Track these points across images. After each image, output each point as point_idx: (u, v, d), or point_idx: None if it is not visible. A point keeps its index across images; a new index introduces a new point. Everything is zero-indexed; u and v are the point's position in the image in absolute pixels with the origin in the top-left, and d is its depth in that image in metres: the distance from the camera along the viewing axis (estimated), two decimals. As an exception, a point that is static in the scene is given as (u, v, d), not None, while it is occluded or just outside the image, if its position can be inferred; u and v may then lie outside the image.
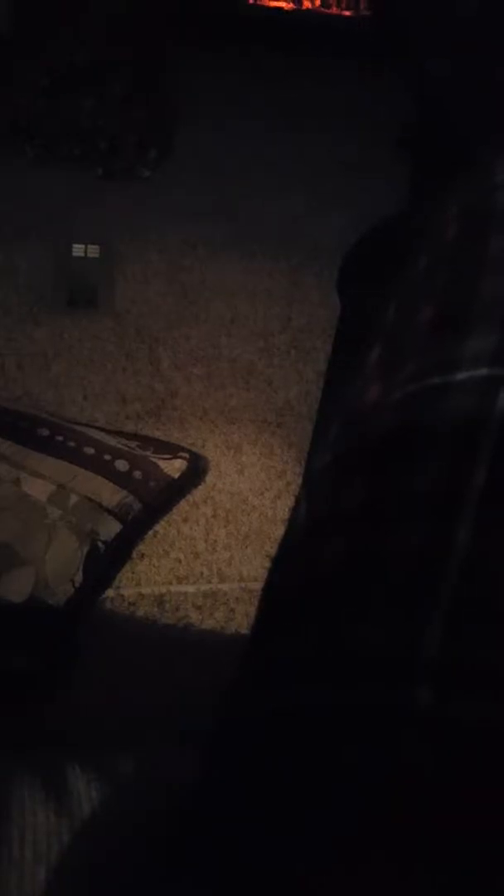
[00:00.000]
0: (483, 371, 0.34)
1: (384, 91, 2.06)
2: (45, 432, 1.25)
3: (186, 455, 1.26)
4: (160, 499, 1.21)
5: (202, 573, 1.12)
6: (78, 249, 1.66)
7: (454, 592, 0.30)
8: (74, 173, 1.92)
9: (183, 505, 1.20)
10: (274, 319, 1.55)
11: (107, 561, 1.13)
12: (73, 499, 1.16)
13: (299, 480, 1.13)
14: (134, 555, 1.14)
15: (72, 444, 1.24)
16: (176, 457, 1.26)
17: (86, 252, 1.65)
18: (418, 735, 0.29)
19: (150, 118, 2.12)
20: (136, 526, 1.18)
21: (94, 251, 1.66)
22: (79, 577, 1.10)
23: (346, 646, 0.32)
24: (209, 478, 1.24)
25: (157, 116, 2.16)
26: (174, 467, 1.24)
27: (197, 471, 1.26)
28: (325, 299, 1.49)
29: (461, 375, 0.35)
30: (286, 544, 0.42)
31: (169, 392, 1.36)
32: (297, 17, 2.78)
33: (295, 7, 2.77)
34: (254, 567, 1.12)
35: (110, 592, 1.09)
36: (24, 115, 2.02)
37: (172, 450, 1.27)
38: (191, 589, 1.10)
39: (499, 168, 0.43)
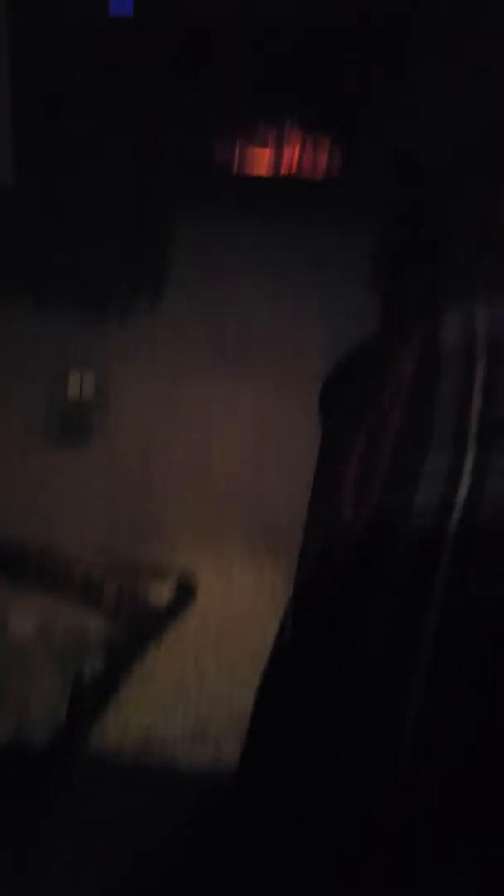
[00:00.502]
0: (440, 488, 0.38)
1: (356, 237, 2.23)
2: (34, 562, 1.25)
3: (175, 579, 1.24)
4: (148, 628, 1.18)
5: (190, 707, 1.06)
6: (73, 382, 1.71)
7: (426, 674, 0.32)
8: (72, 314, 2.03)
9: (171, 632, 1.16)
10: (262, 436, 1.58)
11: (92, 699, 1.08)
12: (59, 632, 1.13)
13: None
14: (119, 690, 1.08)
15: (60, 573, 1.23)
16: (164, 581, 1.23)
17: (80, 383, 1.71)
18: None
19: (144, 266, 2.27)
20: (123, 658, 1.13)
21: (88, 383, 1.71)
22: (62, 717, 1.05)
23: (330, 727, 0.35)
24: (198, 602, 1.20)
25: (150, 264, 2.32)
26: (162, 592, 1.22)
27: (186, 595, 1.23)
28: (311, 414, 1.52)
29: (422, 492, 0.39)
30: (273, 659, 0.45)
31: (158, 513, 1.36)
32: (277, 180, 3.06)
33: (275, 160, 3.06)
34: (244, 700, 1.05)
35: (95, 733, 1.03)
36: (25, 263, 2.17)
37: (161, 574, 1.25)
38: (178, 726, 1.04)
39: (447, 316, 0.50)
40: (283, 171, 3.04)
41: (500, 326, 0.47)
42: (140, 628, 1.16)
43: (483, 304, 0.50)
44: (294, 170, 3.06)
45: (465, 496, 0.38)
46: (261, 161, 3.06)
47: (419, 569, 0.35)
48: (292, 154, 3.06)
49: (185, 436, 1.58)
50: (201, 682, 1.09)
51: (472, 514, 0.37)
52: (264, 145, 3.04)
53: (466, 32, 2.67)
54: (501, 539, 0.36)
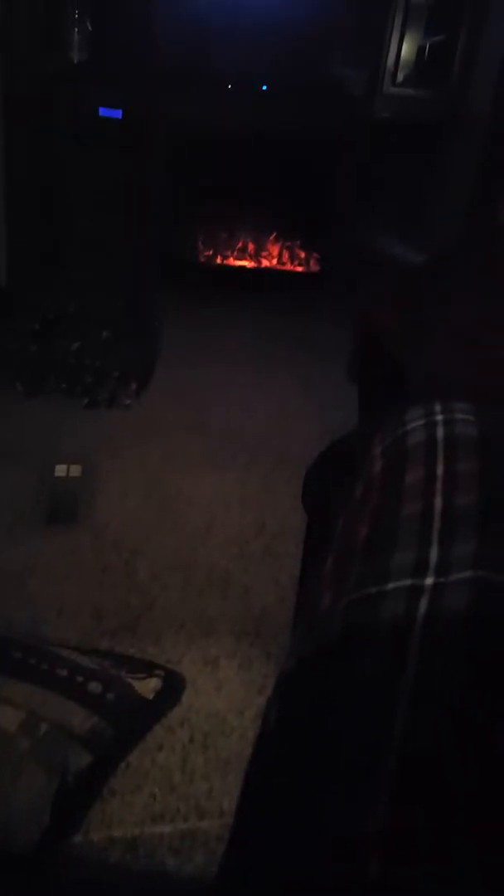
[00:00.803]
0: (407, 582, 0.41)
1: (335, 326, 2.32)
2: (18, 654, 1.22)
3: (162, 673, 1.22)
4: (134, 723, 1.15)
5: (179, 809, 1.02)
6: (60, 469, 1.73)
7: (397, 770, 0.33)
8: (61, 403, 2.08)
9: (158, 730, 1.13)
10: (248, 526, 1.60)
11: (76, 798, 1.04)
12: (44, 727, 1.10)
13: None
14: (105, 791, 1.04)
15: (44, 666, 1.19)
16: (151, 675, 1.21)
17: (68, 472, 1.73)
18: None
19: (132, 355, 2.35)
20: (109, 756, 1.09)
21: (75, 471, 1.73)
22: (46, 819, 1.00)
23: (308, 825, 0.35)
24: (186, 697, 1.18)
25: (138, 353, 2.40)
26: (149, 687, 1.19)
27: (173, 690, 1.20)
28: (296, 505, 1.54)
29: (391, 585, 0.42)
30: (259, 746, 0.45)
31: (145, 604, 1.35)
32: (258, 272, 3.26)
33: (256, 265, 3.25)
34: (235, 799, 1.02)
35: (79, 836, 0.98)
36: (16, 356, 2.23)
37: (147, 668, 1.23)
38: (167, 829, 1.00)
39: (408, 416, 0.55)
40: (264, 267, 3.23)
41: (455, 429, 0.52)
42: (126, 724, 1.13)
43: (440, 411, 0.54)
44: (275, 266, 3.25)
45: (432, 586, 0.41)
46: (242, 265, 3.24)
47: (390, 658, 0.38)
48: (270, 262, 3.26)
49: (172, 524, 1.59)
50: (190, 780, 1.06)
51: (439, 603, 0.40)
52: (244, 258, 3.24)
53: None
54: (468, 626, 0.38)
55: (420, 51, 2.99)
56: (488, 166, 2.85)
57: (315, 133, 2.94)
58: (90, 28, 2.61)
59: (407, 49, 2.95)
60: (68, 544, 1.48)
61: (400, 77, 2.97)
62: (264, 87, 2.82)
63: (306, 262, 3.30)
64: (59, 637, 1.24)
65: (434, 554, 0.43)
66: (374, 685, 0.37)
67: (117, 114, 2.70)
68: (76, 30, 2.60)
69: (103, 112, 2.69)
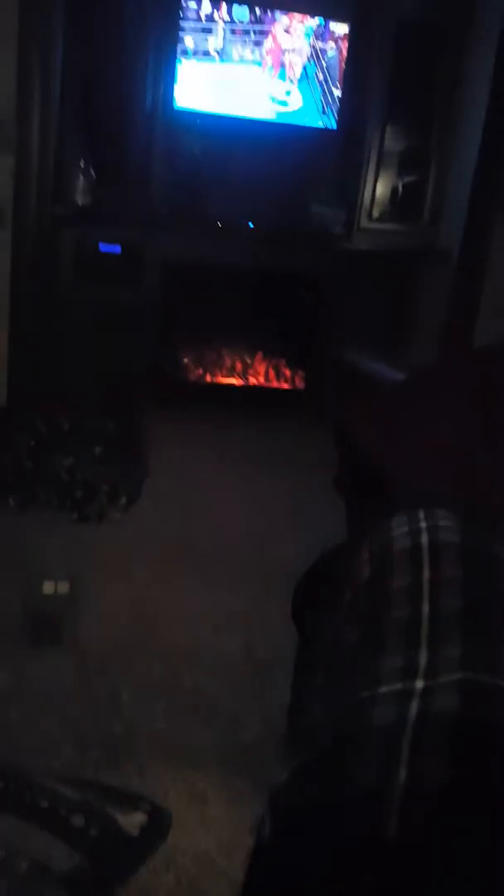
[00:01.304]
0: (398, 686, 0.43)
1: (321, 440, 2.38)
2: (0, 783, 1.17)
3: (148, 807, 1.16)
4: (118, 864, 1.08)
5: None
6: (48, 587, 1.71)
7: (389, 874, 0.35)
8: (51, 518, 2.09)
9: (142, 872, 1.06)
10: (236, 649, 1.57)
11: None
12: (23, 866, 1.04)
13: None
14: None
15: (27, 796, 1.14)
16: (136, 809, 1.16)
17: (55, 589, 1.71)
18: None
19: (123, 470, 2.39)
20: (91, 894, 1.03)
21: (63, 588, 1.71)
22: None
23: None
24: (172, 834, 1.12)
25: (129, 469, 2.44)
26: (134, 822, 1.13)
27: (159, 826, 1.14)
28: (286, 625, 1.53)
29: (383, 689, 0.43)
30: (254, 860, 0.45)
31: (129, 733, 1.30)
32: (246, 389, 3.38)
33: (244, 383, 3.38)
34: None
35: None
36: (9, 471, 2.27)
37: (132, 801, 1.17)
38: None
39: (394, 524, 0.57)
40: (252, 384, 3.35)
41: (438, 536, 0.54)
42: (109, 865, 1.07)
43: (424, 519, 0.57)
44: (261, 383, 3.37)
45: (422, 689, 0.42)
46: (231, 382, 3.37)
47: (383, 765, 0.39)
48: (257, 379, 3.40)
49: (158, 646, 1.56)
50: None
51: (429, 706, 0.41)
52: (232, 376, 3.38)
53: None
54: (457, 729, 0.40)
55: (394, 190, 3.27)
56: (459, 293, 3.04)
57: (298, 264, 3.15)
58: (94, 176, 2.85)
59: (381, 188, 3.23)
60: (52, 667, 1.45)
61: (376, 213, 3.23)
62: (251, 225, 3.04)
63: (292, 380, 3.43)
64: (42, 766, 1.20)
65: (423, 657, 0.45)
66: (367, 793, 0.38)
67: (116, 248, 2.90)
68: (81, 177, 2.84)
69: (103, 248, 2.89)
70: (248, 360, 3.41)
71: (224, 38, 2.89)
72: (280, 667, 1.48)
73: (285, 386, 3.43)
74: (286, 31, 2.97)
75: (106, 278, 2.92)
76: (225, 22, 2.87)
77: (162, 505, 2.26)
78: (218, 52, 2.92)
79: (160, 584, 1.79)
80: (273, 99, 3.05)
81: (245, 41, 2.93)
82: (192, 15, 2.83)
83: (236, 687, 1.45)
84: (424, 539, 0.55)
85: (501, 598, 0.50)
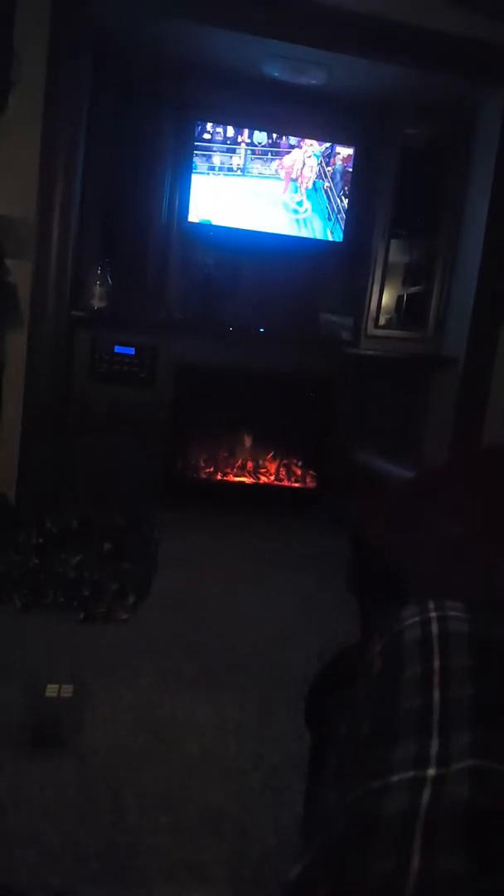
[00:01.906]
0: (409, 774, 0.43)
1: (332, 539, 2.37)
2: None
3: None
4: None
5: None
6: (51, 689, 1.66)
7: None
8: (57, 618, 2.05)
9: None
10: (246, 756, 1.50)
11: None
12: None
13: None
14: None
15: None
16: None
17: (59, 692, 1.66)
18: None
19: (131, 569, 2.37)
20: None
21: (67, 691, 1.66)
22: None
23: None
24: None
25: (138, 567, 2.42)
26: None
27: None
28: (298, 732, 1.47)
29: (395, 778, 0.43)
30: None
31: (132, 846, 1.22)
32: (256, 488, 3.41)
33: (254, 481, 3.41)
34: None
35: None
36: (16, 569, 2.26)
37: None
38: None
39: (405, 614, 0.58)
40: (262, 483, 3.37)
41: (448, 626, 0.55)
42: None
43: (433, 609, 0.58)
44: (272, 482, 3.40)
45: (434, 777, 0.42)
46: (242, 480, 3.39)
47: (396, 854, 0.38)
48: (268, 478, 3.43)
49: (163, 753, 1.50)
50: None
51: (441, 794, 0.41)
52: (243, 474, 3.42)
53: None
54: (470, 818, 0.39)
55: (399, 299, 3.43)
56: (466, 397, 3.11)
57: (308, 367, 3.26)
58: (110, 282, 3.02)
59: (387, 297, 3.39)
60: (53, 773, 1.39)
61: (382, 321, 3.38)
62: (261, 329, 3.17)
63: (303, 479, 3.46)
64: (39, 880, 1.12)
65: (434, 745, 0.45)
66: (380, 886, 0.37)
67: (131, 350, 3.03)
68: (98, 282, 3.00)
69: (118, 349, 3.02)
70: (260, 460, 3.46)
71: (245, 157, 3.18)
72: (291, 776, 1.41)
73: (297, 485, 3.46)
74: (298, 150, 3.24)
75: (120, 378, 3.03)
76: (246, 143, 3.17)
77: (171, 604, 2.23)
78: (240, 168, 3.20)
79: (167, 688, 1.74)
80: (286, 207, 3.28)
81: (263, 159, 3.21)
82: (218, 137, 3.13)
83: (246, 797, 1.38)
84: (434, 629, 0.55)
85: None
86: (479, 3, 2.67)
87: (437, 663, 0.52)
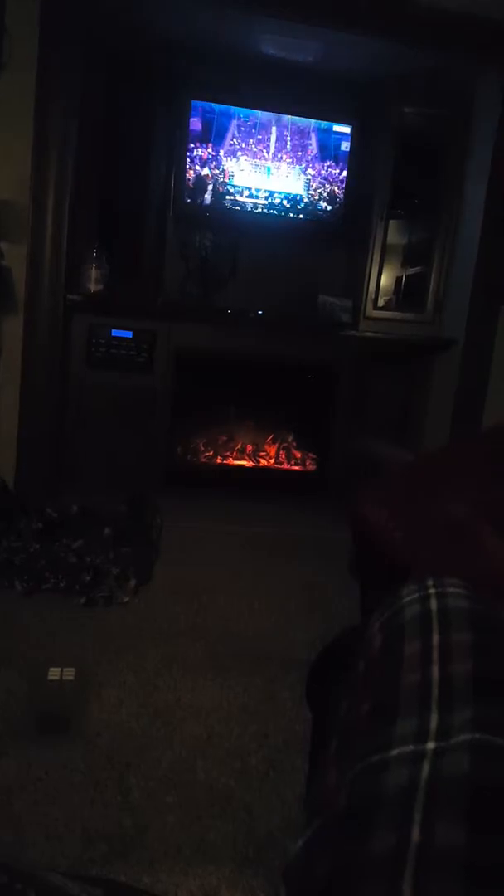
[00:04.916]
0: (409, 748, 0.43)
1: (333, 523, 2.37)
2: (4, 879, 1.10)
3: (156, 907, 1.09)
4: None
5: None
6: (53, 673, 1.67)
7: None
8: (59, 602, 2.06)
9: None
10: (250, 738, 1.51)
11: None
12: None
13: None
14: None
15: (31, 894, 1.07)
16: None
17: (61, 676, 1.67)
18: None
19: (132, 553, 2.38)
20: None
21: (69, 674, 1.67)
22: None
23: None
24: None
25: (139, 551, 2.43)
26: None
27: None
28: (301, 713, 1.48)
29: (394, 752, 0.44)
30: None
31: (138, 826, 1.24)
32: (256, 471, 3.41)
33: (254, 464, 3.41)
34: None
35: None
36: (18, 555, 2.26)
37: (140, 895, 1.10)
38: None
39: (404, 592, 0.59)
40: (262, 466, 3.37)
41: (448, 602, 0.55)
42: None
43: (432, 585, 0.58)
44: (272, 465, 3.39)
45: (433, 750, 0.42)
46: (241, 464, 3.39)
47: (396, 829, 0.38)
48: (268, 462, 3.43)
49: (169, 735, 1.51)
50: None
51: (440, 767, 0.41)
52: (243, 458, 3.41)
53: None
54: (470, 791, 0.39)
55: (398, 280, 3.41)
56: (467, 379, 3.10)
57: (307, 350, 3.24)
58: (107, 265, 2.99)
59: (386, 279, 3.37)
60: (59, 757, 1.40)
61: (381, 302, 3.35)
62: (259, 313, 3.15)
63: (303, 462, 3.46)
64: (47, 861, 1.13)
65: (434, 720, 0.45)
66: (381, 859, 0.38)
67: (128, 334, 3.01)
68: (94, 265, 2.97)
69: (115, 333, 3.00)
70: (259, 443, 3.46)
71: (235, 135, 3.14)
72: (296, 756, 1.42)
73: (297, 468, 3.45)
74: (294, 130, 3.20)
75: (117, 363, 3.01)
76: (239, 120, 3.13)
77: (172, 588, 2.24)
78: (232, 148, 3.15)
79: (170, 672, 1.75)
80: (282, 193, 3.24)
81: (258, 139, 3.17)
82: (207, 116, 3.09)
83: (251, 777, 1.39)
84: (434, 605, 0.56)
85: None
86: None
87: (436, 638, 0.52)
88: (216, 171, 3.16)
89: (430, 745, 0.43)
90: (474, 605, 0.55)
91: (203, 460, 3.38)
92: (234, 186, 3.18)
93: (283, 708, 1.62)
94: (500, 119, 2.91)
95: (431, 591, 0.57)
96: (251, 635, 1.99)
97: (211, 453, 3.40)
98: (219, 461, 3.38)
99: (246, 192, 3.19)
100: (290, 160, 3.21)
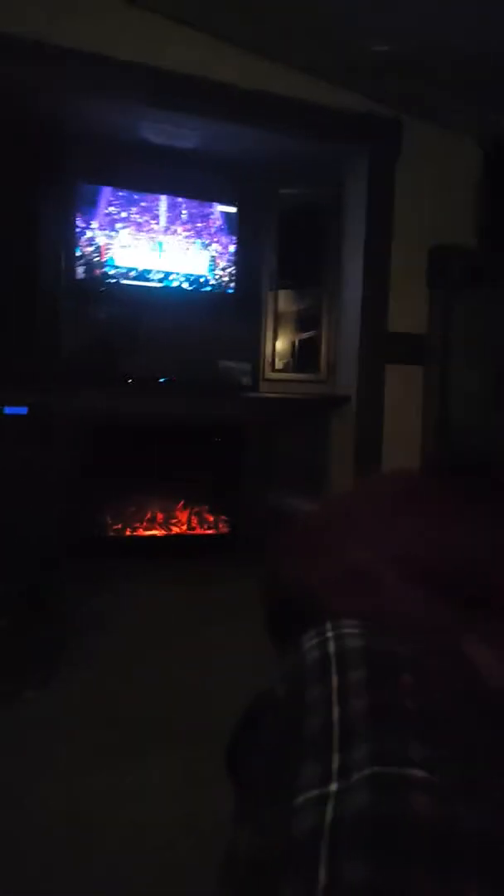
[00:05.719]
0: (314, 792, 0.43)
1: (248, 583, 2.34)
2: None
3: None
4: None
5: None
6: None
7: None
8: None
9: None
10: (176, 825, 1.41)
11: None
12: None
13: None
14: None
15: None
16: None
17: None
18: None
19: (34, 643, 2.23)
20: None
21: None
22: None
23: None
24: None
25: (41, 640, 2.28)
26: None
27: None
28: (228, 786, 1.41)
29: (300, 799, 0.43)
30: None
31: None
32: (169, 539, 3.34)
33: (166, 532, 3.35)
34: None
35: None
36: None
37: None
38: None
39: (304, 639, 0.59)
40: (174, 533, 3.31)
41: (345, 643, 0.56)
42: None
43: (330, 628, 0.59)
44: (185, 531, 3.34)
45: (336, 791, 0.42)
46: (153, 534, 3.32)
47: (303, 873, 0.38)
48: (180, 528, 3.38)
49: (94, 839, 1.39)
50: None
51: (342, 807, 0.41)
52: (154, 527, 3.35)
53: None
54: (370, 825, 0.39)
55: (293, 344, 3.55)
56: (363, 432, 3.22)
57: (210, 414, 3.27)
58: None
59: (281, 344, 3.50)
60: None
61: (279, 365, 3.47)
62: (161, 380, 3.17)
63: (215, 525, 3.43)
64: None
65: (336, 760, 0.45)
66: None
67: (23, 410, 2.92)
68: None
69: (9, 410, 2.91)
70: (170, 510, 3.41)
71: (125, 215, 3.22)
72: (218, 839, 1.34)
73: (210, 532, 3.42)
74: (181, 209, 3.31)
75: (13, 440, 2.91)
76: (127, 199, 3.22)
77: (83, 673, 2.12)
78: (123, 226, 3.22)
79: (83, 766, 1.63)
80: (180, 274, 3.32)
81: (148, 219, 3.26)
82: (93, 197, 3.16)
83: (181, 867, 1.29)
84: (332, 647, 0.56)
85: (404, 690, 0.51)
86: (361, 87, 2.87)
87: (335, 680, 0.52)
88: (107, 249, 3.20)
89: (333, 787, 0.43)
90: (369, 642, 0.56)
91: (112, 534, 3.28)
92: (125, 268, 3.24)
93: (210, 783, 1.52)
94: (369, 195, 3.14)
95: (329, 634, 0.58)
96: (170, 711, 1.89)
97: (119, 525, 3.31)
98: (128, 533, 3.30)
99: (136, 272, 3.26)
100: (188, 233, 3.32)
